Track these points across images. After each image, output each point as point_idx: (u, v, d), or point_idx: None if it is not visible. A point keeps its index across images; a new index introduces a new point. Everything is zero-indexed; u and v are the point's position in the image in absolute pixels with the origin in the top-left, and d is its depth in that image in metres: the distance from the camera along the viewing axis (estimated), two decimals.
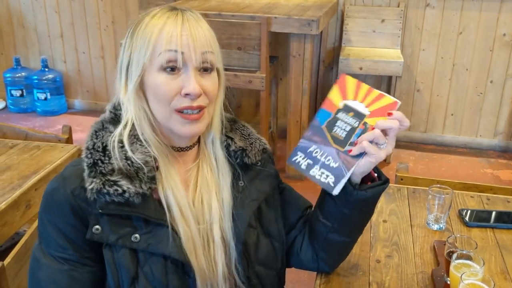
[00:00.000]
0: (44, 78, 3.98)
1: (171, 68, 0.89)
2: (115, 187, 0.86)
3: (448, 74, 3.49)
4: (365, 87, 0.95)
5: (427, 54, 3.47)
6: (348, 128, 0.94)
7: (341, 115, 0.95)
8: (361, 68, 3.18)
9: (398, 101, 0.92)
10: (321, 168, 0.94)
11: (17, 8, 4.04)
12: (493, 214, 1.34)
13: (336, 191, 0.93)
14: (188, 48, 0.88)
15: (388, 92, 3.54)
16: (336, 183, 0.93)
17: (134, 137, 0.92)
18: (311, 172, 0.94)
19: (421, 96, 3.58)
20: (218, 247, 0.96)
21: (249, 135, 1.05)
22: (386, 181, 0.97)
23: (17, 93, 4.05)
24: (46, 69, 4.00)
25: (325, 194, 1.00)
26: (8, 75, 4.05)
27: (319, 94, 3.70)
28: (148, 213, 0.89)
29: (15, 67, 4.05)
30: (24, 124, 3.85)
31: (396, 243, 1.22)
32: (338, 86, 0.96)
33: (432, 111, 3.60)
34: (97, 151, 0.90)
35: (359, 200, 0.95)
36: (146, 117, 0.93)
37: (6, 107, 4.18)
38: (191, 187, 0.98)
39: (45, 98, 4.01)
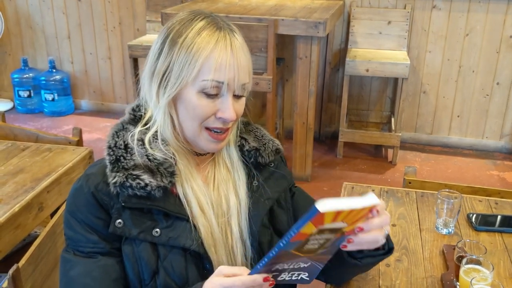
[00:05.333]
0: (51, 79, 4.01)
1: (212, 94, 0.92)
2: (138, 181, 0.89)
3: (455, 76, 3.49)
4: (344, 211, 0.78)
5: (434, 56, 3.47)
6: (322, 241, 0.82)
7: (313, 236, 0.80)
8: (367, 70, 3.19)
9: (376, 203, 0.82)
10: (290, 272, 0.86)
11: (25, 9, 4.07)
12: (502, 218, 1.35)
13: (311, 281, 0.90)
14: (232, 80, 0.92)
15: (395, 94, 3.55)
16: (311, 277, 0.89)
17: (153, 136, 0.95)
18: (279, 279, 0.87)
19: (427, 98, 3.59)
20: (236, 238, 0.98)
21: (262, 136, 1.07)
22: (389, 250, 0.98)
23: (24, 93, 4.08)
24: (54, 70, 4.03)
25: None
26: (15, 76, 4.08)
27: (325, 96, 3.71)
28: (168, 207, 0.91)
29: (22, 68, 4.08)
30: (32, 125, 3.88)
31: (406, 247, 1.23)
32: (313, 223, 0.76)
33: (438, 112, 3.61)
34: (119, 148, 0.93)
35: (357, 266, 0.97)
36: (172, 124, 0.96)
37: (13, 107, 4.21)
38: (210, 183, 1.00)
39: (53, 99, 4.04)
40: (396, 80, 3.48)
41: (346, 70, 3.22)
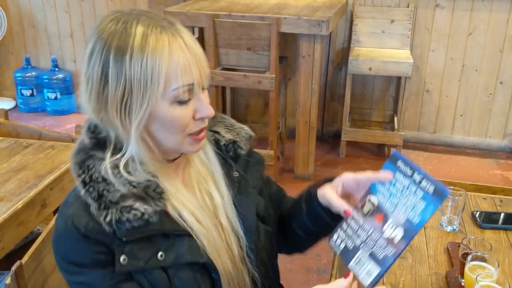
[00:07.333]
0: (54, 77, 4.01)
1: (185, 100, 0.85)
2: (134, 212, 0.83)
3: (458, 75, 3.48)
4: None
5: (437, 54, 3.46)
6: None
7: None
8: (370, 69, 3.18)
9: None
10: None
11: (28, 8, 4.07)
12: (506, 216, 1.34)
13: None
14: (199, 76, 0.85)
15: (397, 93, 3.54)
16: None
17: (129, 160, 0.87)
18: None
19: (430, 97, 3.58)
20: (228, 232, 0.95)
21: (232, 125, 1.04)
22: None
23: (27, 92, 4.09)
24: (56, 69, 4.03)
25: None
26: (18, 74, 4.08)
27: (327, 95, 3.70)
28: (166, 227, 0.87)
29: (25, 66, 4.09)
30: (35, 123, 3.88)
31: (410, 244, 1.22)
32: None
33: (441, 112, 3.60)
34: (98, 182, 0.84)
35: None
36: (147, 146, 0.88)
37: (16, 106, 4.22)
38: (193, 185, 0.96)
39: (55, 98, 4.04)
40: (399, 79, 3.47)
41: (349, 68, 3.21)
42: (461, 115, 3.57)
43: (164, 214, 0.87)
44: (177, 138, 0.88)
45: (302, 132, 3.04)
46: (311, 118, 3.00)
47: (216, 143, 1.00)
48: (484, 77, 3.45)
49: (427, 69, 3.51)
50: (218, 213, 0.95)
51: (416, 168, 0.86)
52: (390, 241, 0.84)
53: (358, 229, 0.88)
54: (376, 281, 0.83)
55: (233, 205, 0.97)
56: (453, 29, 3.39)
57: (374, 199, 0.89)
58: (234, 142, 1.01)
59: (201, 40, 3.54)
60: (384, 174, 0.91)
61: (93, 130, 0.89)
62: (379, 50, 3.40)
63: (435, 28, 3.41)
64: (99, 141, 0.88)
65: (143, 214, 0.83)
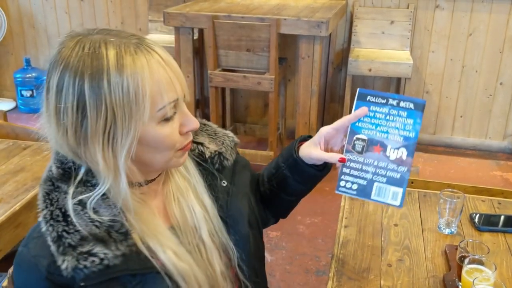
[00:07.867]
0: None
1: (171, 116, 0.82)
2: (92, 259, 0.77)
3: (458, 76, 3.48)
4: None
5: (437, 55, 3.46)
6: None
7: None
8: (370, 70, 3.18)
9: None
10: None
11: (28, 9, 4.07)
12: (505, 218, 1.34)
13: None
14: (181, 90, 0.82)
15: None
16: None
17: (92, 190, 0.81)
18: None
19: (430, 98, 3.57)
20: (211, 250, 0.91)
21: (215, 133, 1.01)
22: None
23: (27, 93, 4.09)
24: None
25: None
26: (18, 75, 4.08)
27: (327, 96, 3.70)
28: (132, 267, 0.80)
29: (25, 67, 4.09)
30: (34, 124, 3.87)
31: (407, 247, 1.22)
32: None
33: (441, 113, 3.59)
34: (57, 220, 0.78)
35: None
36: (131, 174, 0.82)
37: (16, 107, 4.22)
38: (171, 201, 0.92)
39: None
40: (399, 80, 3.46)
41: (348, 70, 3.21)
42: (461, 116, 3.57)
43: (132, 252, 0.81)
44: (166, 156, 0.84)
45: (301, 133, 3.04)
46: (310, 119, 2.99)
47: (201, 156, 0.97)
48: (484, 78, 3.44)
49: (427, 70, 3.51)
50: (199, 228, 0.91)
51: (387, 94, 0.95)
52: (398, 161, 0.93)
53: (362, 166, 0.94)
54: (403, 199, 0.94)
55: (218, 217, 0.93)
56: (453, 30, 3.38)
57: (361, 136, 0.95)
58: (220, 153, 0.98)
59: (200, 41, 3.54)
60: (360, 110, 0.95)
61: (61, 160, 0.83)
62: (379, 51, 3.40)
63: (435, 29, 3.41)
64: (65, 172, 0.82)
65: (102, 260, 0.77)
